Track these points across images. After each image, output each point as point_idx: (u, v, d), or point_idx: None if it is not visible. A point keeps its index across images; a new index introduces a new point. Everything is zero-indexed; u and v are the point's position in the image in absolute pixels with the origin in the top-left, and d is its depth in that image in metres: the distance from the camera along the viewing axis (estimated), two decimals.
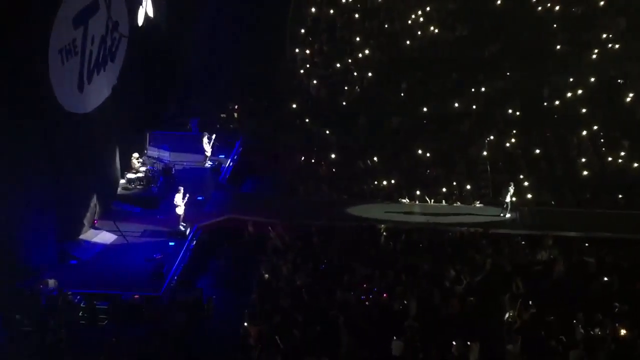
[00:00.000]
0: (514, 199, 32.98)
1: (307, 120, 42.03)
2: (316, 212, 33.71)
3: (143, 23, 35.49)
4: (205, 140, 38.16)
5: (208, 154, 38.30)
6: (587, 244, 30.66)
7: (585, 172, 36.53)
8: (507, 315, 25.36)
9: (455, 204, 34.39)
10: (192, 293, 28.06)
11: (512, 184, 33.12)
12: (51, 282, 26.81)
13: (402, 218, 32.99)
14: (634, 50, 44.60)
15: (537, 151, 38.18)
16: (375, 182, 36.26)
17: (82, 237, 31.25)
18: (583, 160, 37.29)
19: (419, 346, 24.17)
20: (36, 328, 25.10)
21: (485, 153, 37.84)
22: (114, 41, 32.93)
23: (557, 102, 42.07)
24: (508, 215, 32.96)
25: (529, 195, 34.90)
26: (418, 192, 35.15)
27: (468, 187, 35.56)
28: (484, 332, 24.84)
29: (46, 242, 28.78)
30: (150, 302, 27.16)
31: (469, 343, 23.92)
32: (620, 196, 34.72)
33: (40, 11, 26.54)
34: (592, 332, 24.62)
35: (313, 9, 50.06)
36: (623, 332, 24.62)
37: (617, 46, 45.37)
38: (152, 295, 27.56)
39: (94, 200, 32.09)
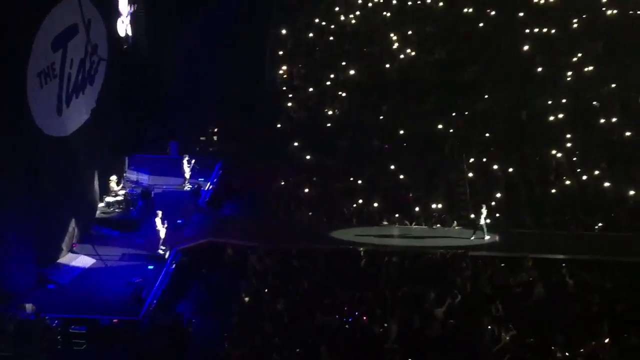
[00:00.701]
0: (487, 220, 33.00)
1: (287, 142, 42.00)
2: (296, 235, 33.65)
3: (122, 46, 35.46)
4: (184, 163, 38.08)
5: (187, 176, 38.19)
6: (566, 266, 30.72)
7: (563, 194, 36.70)
8: (487, 338, 25.34)
9: (435, 226, 34.42)
10: (171, 317, 27.87)
11: (484, 206, 33.15)
12: (29, 307, 26.60)
13: (383, 240, 32.98)
14: (610, 72, 45.12)
15: (516, 172, 38.31)
16: (355, 205, 36.24)
17: (60, 261, 31.02)
18: (561, 181, 37.46)
19: None
20: (14, 353, 24.83)
21: (464, 175, 37.94)
22: (93, 64, 32.88)
23: (535, 124, 42.33)
24: (487, 237, 32.98)
25: (508, 217, 35.00)
26: (398, 215, 35.20)
27: (448, 209, 35.64)
28: (465, 355, 24.82)
29: (24, 266, 28.55)
30: (129, 326, 26.95)
31: None
32: (598, 219, 34.87)
33: (18, 34, 26.50)
34: (571, 354, 24.66)
35: (293, 32, 50.26)
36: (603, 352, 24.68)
37: (592, 68, 45.82)
38: (131, 319, 27.37)
39: (73, 223, 31.91)
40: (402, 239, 33.14)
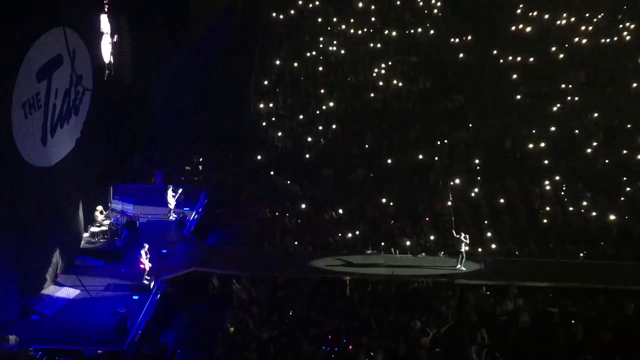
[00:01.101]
0: (467, 248, 33.04)
1: (272, 172, 42.05)
2: (282, 264, 33.57)
3: (106, 74, 35.56)
4: (170, 193, 38.05)
5: (172, 207, 38.14)
6: (551, 294, 30.80)
7: (548, 222, 36.86)
8: None
9: (420, 255, 34.47)
10: (156, 347, 27.71)
11: (462, 234, 33.19)
12: (12, 338, 26.34)
13: (368, 269, 32.95)
14: (593, 102, 45.56)
15: (501, 201, 38.48)
16: (341, 234, 36.26)
17: (44, 292, 30.82)
18: (546, 210, 37.63)
19: None
20: None
21: (449, 203, 38.06)
22: (77, 94, 32.93)
23: (519, 153, 42.60)
24: (462, 267, 33.02)
25: (493, 246, 35.09)
26: (383, 244, 35.24)
27: (432, 237, 35.72)
28: None
29: (8, 297, 28.34)
30: (114, 357, 26.77)
31: None
32: (582, 247, 35.01)
33: (3, 65, 26.52)
34: None
35: (277, 62, 50.53)
36: None
37: (576, 98, 46.25)
38: (116, 350, 27.18)
39: (57, 254, 31.76)
40: (387, 268, 33.06)
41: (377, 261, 33.83)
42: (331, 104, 47.45)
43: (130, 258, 33.40)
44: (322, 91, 48.58)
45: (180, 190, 38.41)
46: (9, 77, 26.97)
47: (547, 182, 39.63)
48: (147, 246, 31.86)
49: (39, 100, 29.24)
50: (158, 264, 32.58)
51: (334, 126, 45.77)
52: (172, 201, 38.09)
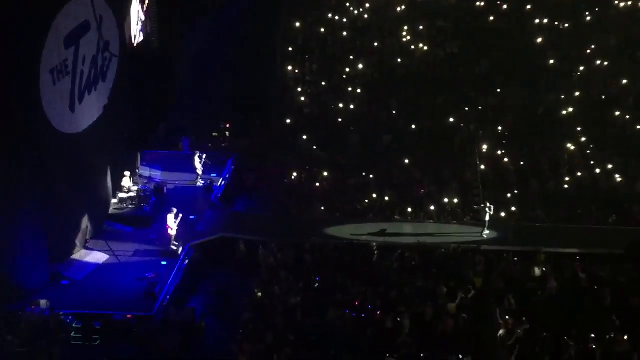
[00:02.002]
0: (490, 215, 32.96)
1: (299, 137, 42.00)
2: (309, 230, 33.65)
3: (134, 42, 35.60)
4: (196, 159, 38.14)
5: (200, 172, 38.25)
6: (579, 260, 30.64)
7: (576, 188, 36.62)
8: (500, 332, 25.29)
9: (447, 221, 34.40)
10: (184, 312, 27.93)
11: (488, 203, 33.08)
12: (43, 303, 26.67)
13: (395, 235, 32.95)
14: (622, 66, 44.94)
15: (529, 167, 38.24)
16: (368, 200, 36.23)
17: (74, 257, 31.11)
18: (575, 175, 37.37)
19: None
20: (29, 349, 24.95)
21: (477, 169, 37.89)
22: (105, 61, 32.98)
23: (548, 118, 42.23)
24: (486, 233, 32.94)
25: (521, 211, 34.94)
26: (410, 209, 35.20)
27: (460, 203, 35.63)
28: (478, 349, 24.77)
29: (38, 263, 28.63)
30: (142, 322, 27.04)
31: (461, 358, 23.88)
32: (612, 212, 34.78)
33: (31, 32, 26.56)
34: (584, 348, 24.60)
35: (304, 27, 50.25)
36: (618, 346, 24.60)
37: (605, 63, 45.65)
38: (144, 314, 27.45)
39: (86, 220, 32.00)
40: (414, 234, 33.04)
41: (404, 227, 33.83)
42: (357, 70, 47.20)
43: (158, 224, 33.61)
44: (349, 57, 48.28)
45: (204, 156, 38.42)
46: (37, 44, 27.01)
47: (575, 148, 39.31)
48: (175, 210, 32.00)
49: (66, 66, 29.30)
50: (186, 230, 32.76)
51: (360, 91, 45.56)
52: (199, 167, 38.20)
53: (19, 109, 26.29)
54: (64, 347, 25.37)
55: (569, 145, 39.58)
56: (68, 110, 30.14)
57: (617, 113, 41.92)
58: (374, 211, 35.63)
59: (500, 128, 41.65)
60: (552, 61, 46.30)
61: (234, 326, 26.82)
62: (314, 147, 41.08)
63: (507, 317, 25.41)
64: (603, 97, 43.61)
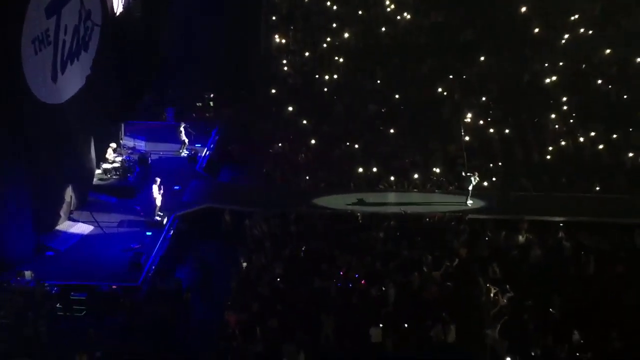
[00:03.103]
0: (474, 184, 33.06)
1: (283, 108, 41.87)
2: (294, 200, 33.66)
3: (116, 11, 35.30)
4: (182, 129, 37.99)
5: (186, 142, 38.11)
6: (563, 228, 30.80)
7: (561, 157, 36.75)
8: (484, 300, 25.47)
9: (431, 191, 34.49)
10: (170, 283, 27.98)
11: (476, 173, 33.17)
12: (27, 274, 26.66)
13: (380, 205, 33.02)
14: (608, 35, 44.90)
15: (513, 136, 38.30)
16: (353, 170, 36.24)
17: (58, 228, 31.09)
18: (559, 144, 37.47)
19: (398, 332, 24.28)
20: (14, 320, 24.95)
21: (461, 139, 37.91)
22: (87, 31, 32.68)
23: (532, 87, 42.22)
24: (470, 202, 33.07)
25: (505, 180, 35.06)
26: (394, 179, 35.24)
27: (444, 172, 35.70)
28: (463, 317, 24.97)
29: (22, 234, 28.60)
30: (128, 293, 27.07)
31: (446, 325, 24.10)
32: (595, 181, 34.94)
33: (12, 1, 26.27)
34: (568, 315, 24.84)
35: None
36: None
37: (590, 31, 45.58)
38: (130, 285, 27.49)
39: (70, 191, 31.89)
40: (399, 203, 33.12)
41: (388, 197, 33.92)
42: (342, 39, 46.98)
43: (142, 195, 33.55)
44: (333, 26, 48.03)
45: (183, 125, 38.21)
46: (18, 13, 26.74)
47: (560, 117, 39.38)
48: (158, 180, 31.96)
49: (48, 36, 29.02)
50: (170, 201, 32.73)
51: (345, 61, 45.40)
52: (185, 138, 38.05)
53: (0, 79, 26.03)
54: (50, 318, 25.36)
55: (553, 114, 39.59)
56: (50, 80, 29.91)
57: (600, 81, 41.92)
58: (359, 181, 35.62)
59: (484, 97, 41.59)
60: (536, 30, 46.17)
61: (220, 296, 26.89)
62: (298, 117, 40.86)
63: (491, 285, 25.58)
64: (588, 65, 43.50)
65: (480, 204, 33.14)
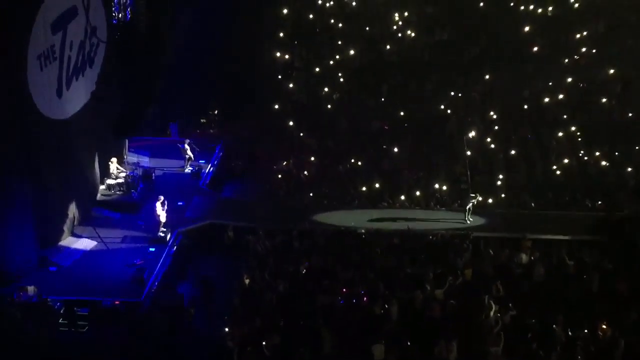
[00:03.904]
0: (474, 202, 33.12)
1: (287, 124, 41.94)
2: (297, 216, 33.67)
3: (120, 26, 35.48)
4: (187, 146, 38.03)
5: (192, 159, 38.13)
6: (567, 247, 30.74)
7: (564, 174, 36.75)
8: (487, 318, 25.40)
9: (435, 207, 34.49)
10: (173, 298, 27.96)
11: (477, 194, 33.20)
12: (30, 289, 26.63)
13: (383, 222, 33.01)
14: (611, 53, 44.97)
15: (517, 153, 38.33)
16: (356, 186, 36.26)
17: (61, 243, 31.10)
18: (562, 162, 37.48)
19: (400, 349, 24.20)
20: (16, 335, 24.93)
21: (465, 156, 37.95)
22: (92, 46, 32.84)
23: (536, 105, 42.28)
24: (469, 220, 33.09)
25: (509, 198, 35.05)
26: (397, 196, 35.25)
27: (448, 190, 35.71)
28: (466, 335, 24.89)
29: (25, 249, 28.60)
30: (131, 308, 27.05)
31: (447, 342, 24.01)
32: (599, 199, 34.92)
33: (18, 17, 26.43)
34: (572, 334, 24.72)
35: (293, 13, 50.04)
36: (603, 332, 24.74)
37: (594, 50, 45.67)
38: (133, 301, 27.45)
39: (74, 206, 31.95)
40: (402, 220, 33.09)
41: (392, 213, 33.91)
42: (347, 56, 47.11)
43: (146, 210, 33.59)
44: (337, 43, 48.17)
45: (187, 142, 38.27)
46: (24, 30, 26.87)
47: (563, 134, 39.40)
48: (162, 198, 32.00)
49: (54, 52, 29.17)
50: (174, 216, 32.75)
51: (349, 78, 45.49)
52: (190, 154, 38.09)
53: (5, 95, 26.19)
54: (52, 333, 25.34)
55: (557, 131, 39.61)
56: (55, 96, 30.04)
57: (604, 100, 41.95)
58: (362, 197, 35.63)
59: (488, 115, 41.63)
60: (540, 48, 46.27)
61: (222, 312, 26.85)
62: (302, 134, 40.92)
63: (494, 303, 25.52)
64: (592, 84, 43.54)
65: (482, 221, 33.09)
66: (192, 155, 38.18)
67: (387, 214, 34.05)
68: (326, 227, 32.53)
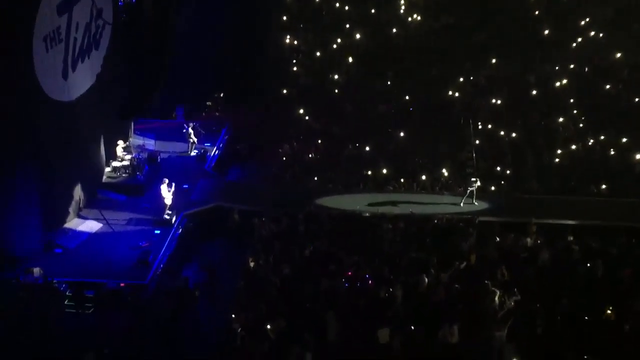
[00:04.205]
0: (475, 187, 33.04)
1: (293, 107, 41.88)
2: (302, 200, 33.66)
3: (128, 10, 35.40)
4: (190, 130, 37.99)
5: (195, 142, 38.12)
6: (572, 231, 30.70)
7: (570, 159, 36.67)
8: (492, 303, 25.38)
9: (440, 192, 34.46)
10: (178, 281, 28.00)
11: (477, 179, 33.14)
12: (36, 271, 26.72)
13: (388, 206, 32.98)
14: (618, 38, 44.78)
15: (523, 138, 38.23)
16: (362, 170, 36.22)
17: (67, 225, 31.16)
18: (568, 147, 37.38)
19: (405, 333, 24.22)
20: (22, 317, 25.02)
21: (471, 140, 37.88)
22: (98, 28, 32.77)
23: (542, 90, 42.15)
24: (465, 203, 33.13)
25: (515, 182, 35.00)
26: (403, 180, 35.21)
27: (452, 174, 35.65)
28: (470, 319, 24.89)
29: (31, 231, 28.65)
30: (136, 291, 27.11)
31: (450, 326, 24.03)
32: (604, 184, 34.86)
33: None
34: (576, 320, 24.72)
35: None
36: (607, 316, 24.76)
37: (601, 34, 45.49)
38: (138, 283, 27.52)
39: (79, 188, 31.98)
40: (407, 204, 33.05)
41: (397, 198, 33.86)
42: (353, 40, 46.97)
43: (151, 193, 33.60)
44: (344, 26, 48.04)
45: (192, 125, 38.21)
46: (29, 11, 26.81)
47: (569, 120, 39.28)
48: (167, 180, 32.01)
49: (59, 34, 29.12)
50: (179, 199, 32.76)
51: (355, 62, 45.37)
52: (193, 138, 38.08)
53: (11, 77, 26.15)
54: (57, 315, 25.41)
55: (563, 116, 39.52)
56: (61, 78, 30.00)
57: (610, 85, 41.81)
58: (368, 182, 35.61)
59: (494, 99, 41.54)
60: (547, 32, 46.10)
61: (227, 295, 26.88)
62: (308, 117, 40.83)
63: (498, 288, 25.50)
64: (598, 69, 43.40)
65: (488, 206, 33.06)
66: (195, 140, 38.13)
67: (392, 198, 33.96)
68: (331, 210, 32.49)
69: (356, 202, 33.36)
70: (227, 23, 44.52)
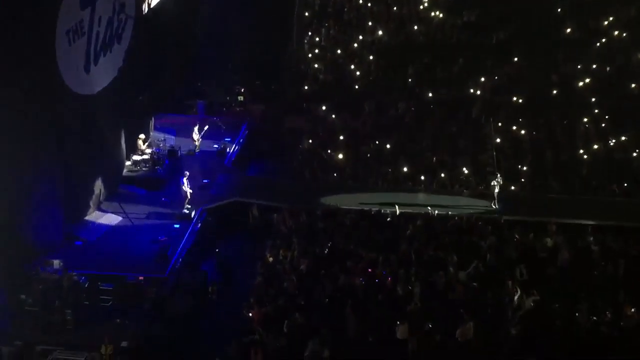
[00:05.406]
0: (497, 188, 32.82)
1: (313, 104, 41.87)
2: (321, 196, 33.64)
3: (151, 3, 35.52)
4: (195, 129, 37.73)
5: (197, 143, 37.77)
6: (592, 231, 30.51)
7: (591, 159, 36.47)
8: (510, 301, 25.32)
9: (460, 191, 34.35)
10: (196, 275, 28.08)
11: (499, 175, 32.96)
12: (56, 263, 26.90)
13: (407, 204, 32.88)
14: None
15: (544, 137, 38.06)
16: (382, 167, 36.17)
17: (87, 218, 31.31)
18: (590, 147, 37.18)
19: (423, 329, 24.20)
20: (41, 308, 25.18)
21: (491, 139, 37.74)
22: (120, 22, 32.85)
23: (564, 89, 41.92)
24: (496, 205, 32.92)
25: (535, 182, 34.85)
26: (423, 178, 35.13)
27: (473, 173, 35.53)
28: (488, 317, 24.86)
29: (52, 223, 28.78)
30: (155, 284, 27.17)
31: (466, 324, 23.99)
32: (625, 184, 34.65)
33: None
34: (595, 320, 24.60)
35: None
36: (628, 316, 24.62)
37: (624, 34, 45.19)
38: (157, 277, 27.59)
39: (100, 181, 32.09)
40: (427, 202, 32.94)
41: (417, 195, 33.79)
42: (374, 36, 46.93)
43: (171, 187, 33.70)
44: (366, 23, 47.99)
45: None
46: (53, 5, 26.92)
47: (591, 119, 39.08)
48: (187, 174, 32.08)
49: (82, 27, 29.20)
50: (199, 194, 32.84)
51: (376, 59, 45.33)
52: (196, 137, 37.63)
53: (34, 70, 26.24)
54: (76, 307, 25.55)
55: (585, 116, 39.31)
56: (83, 71, 30.12)
57: (633, 85, 41.54)
58: (388, 179, 35.54)
59: (516, 98, 41.37)
60: (570, 31, 45.85)
61: (245, 290, 26.93)
62: (329, 114, 40.79)
63: (518, 287, 25.42)
64: (622, 68, 43.11)
65: (508, 205, 32.89)
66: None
67: (411, 196, 33.82)
68: (350, 207, 32.44)
69: (375, 200, 33.26)
70: (250, 18, 44.51)
